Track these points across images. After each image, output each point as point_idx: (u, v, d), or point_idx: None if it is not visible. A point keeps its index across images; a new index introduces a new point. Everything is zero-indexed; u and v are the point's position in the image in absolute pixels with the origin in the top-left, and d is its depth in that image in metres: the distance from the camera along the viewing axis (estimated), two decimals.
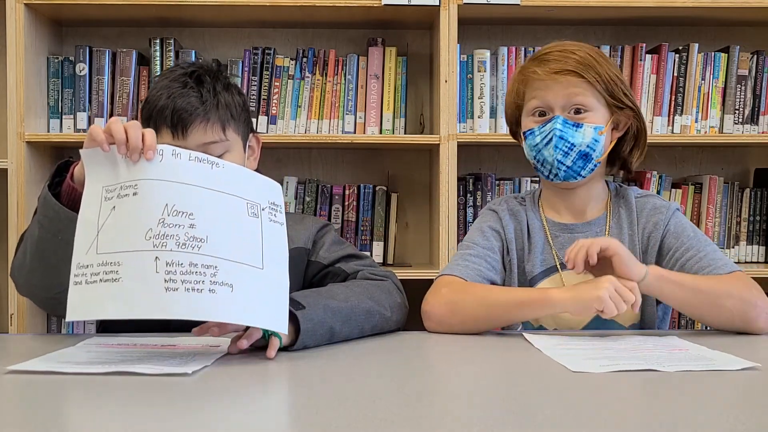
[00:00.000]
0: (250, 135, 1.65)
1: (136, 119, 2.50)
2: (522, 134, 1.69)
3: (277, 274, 1.29)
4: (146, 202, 1.22)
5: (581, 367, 1.20)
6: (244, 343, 1.29)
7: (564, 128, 1.60)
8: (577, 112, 1.62)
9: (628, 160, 1.72)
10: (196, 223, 1.23)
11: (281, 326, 1.28)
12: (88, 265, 1.21)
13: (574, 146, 1.61)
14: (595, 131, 1.62)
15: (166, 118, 1.50)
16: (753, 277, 1.58)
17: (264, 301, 1.27)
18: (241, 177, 1.31)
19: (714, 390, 1.12)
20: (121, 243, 1.21)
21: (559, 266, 1.67)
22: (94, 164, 1.27)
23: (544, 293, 1.50)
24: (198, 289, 1.20)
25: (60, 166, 1.40)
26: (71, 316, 1.21)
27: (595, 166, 1.65)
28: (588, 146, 1.62)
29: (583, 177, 1.65)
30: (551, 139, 1.61)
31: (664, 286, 1.47)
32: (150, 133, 1.26)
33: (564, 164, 1.62)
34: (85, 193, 1.26)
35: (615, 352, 1.32)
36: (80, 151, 1.28)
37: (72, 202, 1.36)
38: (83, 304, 1.21)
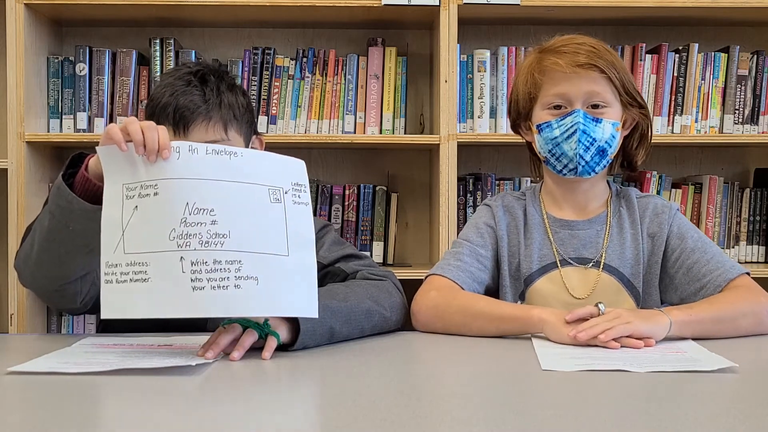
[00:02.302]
0: (253, 136, 1.65)
1: (137, 118, 2.51)
2: (534, 127, 1.65)
3: (303, 257, 1.30)
4: (167, 202, 1.24)
5: (551, 365, 1.22)
6: (236, 356, 1.28)
7: (586, 122, 1.59)
8: (594, 107, 1.60)
9: (634, 156, 1.71)
10: (217, 219, 1.24)
11: (311, 310, 1.29)
12: (116, 264, 1.24)
13: (595, 141, 1.60)
14: (613, 127, 1.61)
15: (169, 115, 1.51)
16: (753, 278, 1.58)
17: (291, 288, 1.28)
18: (262, 162, 1.31)
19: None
20: (147, 244, 1.24)
21: (558, 262, 1.66)
22: (112, 162, 1.28)
23: (527, 312, 1.48)
24: (224, 286, 1.23)
25: (74, 158, 1.40)
26: (107, 314, 1.25)
27: (608, 162, 1.65)
28: (606, 142, 1.61)
29: (597, 173, 1.64)
30: (574, 133, 1.59)
31: (686, 330, 1.45)
32: (164, 131, 1.27)
33: (584, 159, 1.61)
34: (105, 191, 1.28)
35: (601, 352, 1.33)
36: (97, 148, 1.30)
37: (86, 193, 1.36)
38: (117, 303, 1.24)
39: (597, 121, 1.60)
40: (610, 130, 1.61)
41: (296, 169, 1.33)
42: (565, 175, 1.65)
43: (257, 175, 1.29)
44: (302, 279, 1.29)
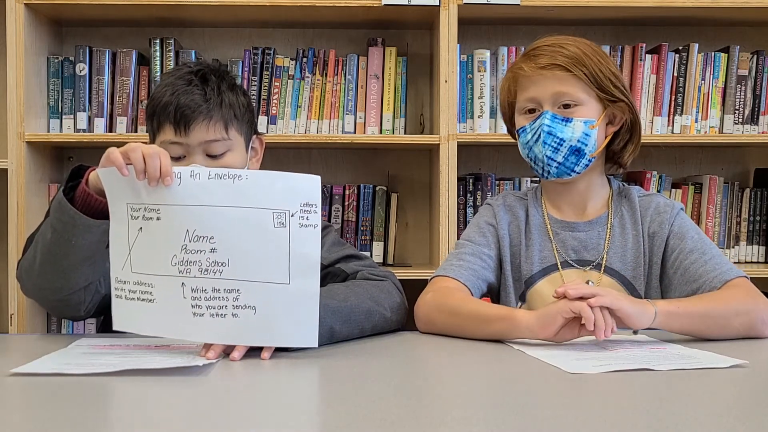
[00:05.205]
0: (254, 136, 1.66)
1: (137, 118, 2.52)
2: (516, 133, 1.67)
3: (305, 285, 1.27)
4: (169, 228, 1.26)
5: (576, 368, 1.20)
6: (236, 356, 1.28)
7: (552, 123, 1.58)
8: (567, 106, 1.59)
9: (620, 154, 1.68)
10: (217, 247, 1.26)
11: (310, 341, 1.29)
12: (125, 281, 1.29)
13: (564, 141, 1.59)
14: (586, 125, 1.59)
15: (170, 114, 1.51)
16: (753, 278, 1.58)
17: (290, 317, 1.27)
18: (269, 184, 1.27)
19: (713, 388, 1.12)
20: (151, 266, 1.28)
21: (559, 264, 1.66)
22: (113, 184, 1.29)
23: (512, 314, 1.43)
24: (222, 314, 1.26)
25: (74, 170, 1.40)
26: (117, 326, 1.32)
27: (590, 161, 1.62)
28: (579, 141, 1.59)
29: (578, 173, 1.63)
30: (540, 135, 1.59)
31: (674, 322, 1.42)
32: (166, 157, 1.27)
33: (555, 160, 1.60)
34: (110, 208, 1.30)
35: (597, 353, 1.32)
36: (97, 170, 1.31)
37: (86, 207, 1.37)
38: (126, 317, 1.31)
39: (567, 120, 1.59)
40: (581, 128, 1.59)
41: (308, 187, 1.27)
42: (546, 178, 1.65)
43: (262, 198, 1.26)
44: (302, 308, 1.27)
